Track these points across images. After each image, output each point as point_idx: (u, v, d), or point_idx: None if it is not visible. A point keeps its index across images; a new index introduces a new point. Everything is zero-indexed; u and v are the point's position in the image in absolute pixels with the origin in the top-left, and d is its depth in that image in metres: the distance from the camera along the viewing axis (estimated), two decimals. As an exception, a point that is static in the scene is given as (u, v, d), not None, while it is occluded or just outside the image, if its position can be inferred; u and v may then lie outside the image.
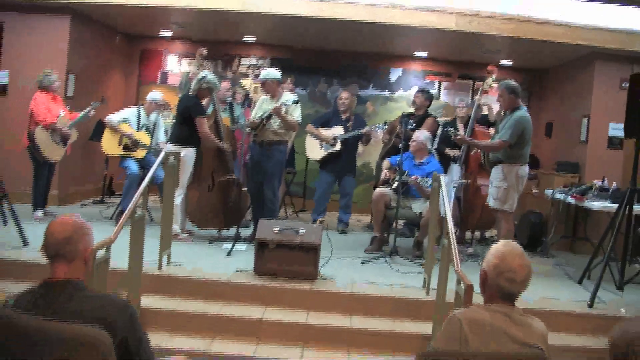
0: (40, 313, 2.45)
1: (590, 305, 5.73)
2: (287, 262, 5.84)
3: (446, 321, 2.82)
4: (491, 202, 6.80)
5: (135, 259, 4.93)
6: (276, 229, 5.97)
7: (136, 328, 2.64)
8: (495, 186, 6.73)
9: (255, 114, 7.39)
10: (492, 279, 2.76)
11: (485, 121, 8.29)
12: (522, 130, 6.59)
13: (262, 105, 7.42)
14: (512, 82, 6.90)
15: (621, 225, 6.24)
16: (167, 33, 10.76)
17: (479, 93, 8.13)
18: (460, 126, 8.20)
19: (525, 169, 6.75)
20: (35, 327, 2.39)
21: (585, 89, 9.13)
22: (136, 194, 5.01)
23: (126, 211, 4.73)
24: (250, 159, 7.72)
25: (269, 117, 7.15)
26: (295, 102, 7.27)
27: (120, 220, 4.62)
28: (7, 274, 5.47)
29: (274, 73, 7.40)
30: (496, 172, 6.76)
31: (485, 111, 8.43)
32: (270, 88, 7.37)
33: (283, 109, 7.15)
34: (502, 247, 2.81)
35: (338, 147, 8.53)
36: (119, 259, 4.63)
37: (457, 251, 4.55)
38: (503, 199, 6.68)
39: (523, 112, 6.71)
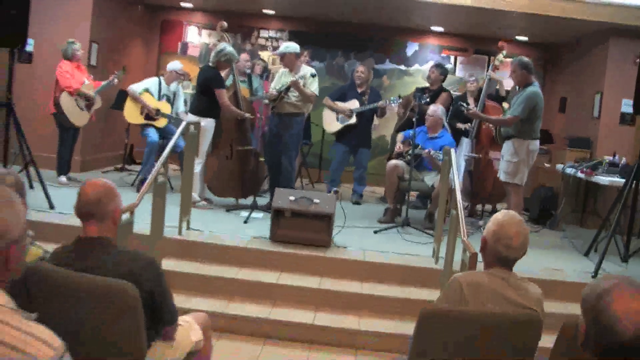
0: (73, 267, 2.68)
1: (594, 276, 5.92)
2: (302, 229, 6.06)
3: (448, 283, 3.04)
4: (502, 176, 6.98)
5: (157, 223, 5.17)
6: (292, 197, 6.18)
7: (161, 282, 2.87)
8: (506, 160, 6.90)
9: (274, 86, 7.58)
10: (490, 245, 2.96)
11: (496, 96, 8.43)
12: (533, 105, 6.74)
13: (281, 78, 7.61)
14: (525, 59, 7.03)
15: (628, 200, 6.42)
16: (187, 4, 10.93)
17: (490, 68, 8.27)
18: (470, 100, 8.35)
19: (536, 144, 6.91)
20: (69, 280, 2.63)
21: (599, 65, 9.23)
22: (158, 162, 5.25)
23: (149, 177, 4.97)
24: (268, 130, 7.92)
25: (287, 89, 7.34)
26: (313, 76, 7.45)
27: (144, 186, 4.86)
28: (36, 236, 5.71)
29: (293, 46, 7.57)
30: (507, 146, 6.92)
31: (497, 86, 8.56)
32: (289, 61, 7.55)
33: (301, 82, 7.33)
34: (501, 216, 3.01)
35: (354, 119, 8.71)
36: (142, 223, 4.87)
37: (464, 221, 4.75)
38: (514, 172, 6.85)
39: (535, 87, 6.85)
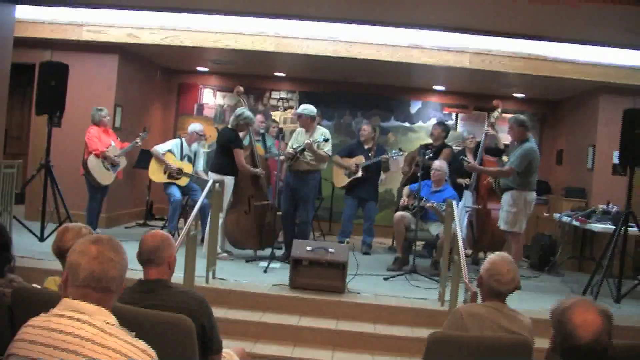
0: (138, 305, 3.23)
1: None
2: (319, 277, 6.63)
3: (450, 314, 3.60)
4: (502, 225, 7.53)
5: (189, 272, 5.72)
6: (309, 248, 6.76)
7: (211, 318, 3.42)
8: (506, 210, 7.46)
9: (291, 144, 8.19)
10: (485, 280, 3.52)
11: (496, 150, 9.02)
12: (529, 160, 7.34)
13: (298, 137, 8.24)
14: (521, 116, 7.68)
15: (618, 244, 6.96)
16: (203, 68, 11.66)
17: (486, 125, 8.90)
18: (469, 156, 8.93)
19: (532, 195, 7.49)
20: (137, 315, 3.17)
21: (591, 120, 9.88)
22: (190, 217, 5.83)
23: (184, 230, 5.54)
24: (285, 185, 8.50)
25: (303, 150, 7.96)
26: (325, 141, 8.06)
27: (180, 236, 5.43)
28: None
29: (310, 109, 8.19)
30: (506, 197, 7.49)
31: (495, 141, 9.16)
32: (305, 122, 8.19)
33: (315, 145, 7.96)
34: (494, 257, 3.58)
35: (359, 173, 9.30)
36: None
37: (465, 266, 5.31)
38: (513, 222, 7.40)
39: (531, 144, 7.47)
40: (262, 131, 9.45)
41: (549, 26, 7.32)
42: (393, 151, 9.36)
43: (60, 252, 3.48)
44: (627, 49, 8.25)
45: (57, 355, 2.16)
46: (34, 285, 3.51)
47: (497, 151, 9.05)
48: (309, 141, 7.95)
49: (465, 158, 8.32)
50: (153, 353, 2.30)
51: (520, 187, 7.39)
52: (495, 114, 8.66)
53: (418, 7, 6.89)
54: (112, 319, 2.32)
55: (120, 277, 2.40)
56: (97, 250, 2.36)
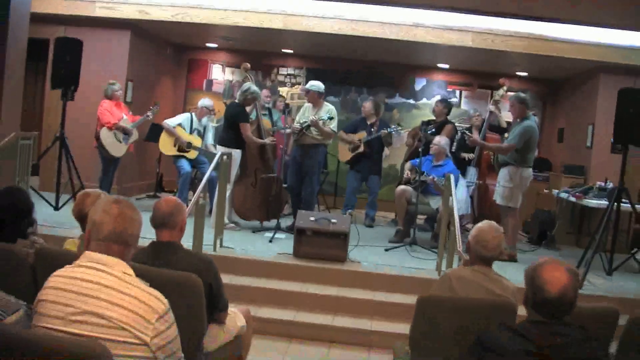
0: (149, 264, 3.51)
1: (580, 287, 6.68)
2: (321, 246, 6.91)
3: (440, 277, 3.88)
4: (498, 200, 7.78)
5: (198, 240, 6.03)
6: (312, 218, 7.05)
7: (217, 277, 3.71)
8: (502, 185, 7.71)
9: (299, 119, 8.49)
10: (472, 246, 3.79)
11: (498, 128, 9.25)
12: (528, 137, 7.57)
13: (305, 112, 8.54)
14: (522, 94, 7.92)
15: (611, 220, 7.23)
16: (212, 45, 11.90)
17: (491, 103, 9.14)
18: (475, 133, 9.17)
19: (529, 172, 7.73)
20: (150, 273, 3.45)
21: (591, 99, 10.11)
22: (199, 188, 6.14)
23: (193, 199, 5.84)
24: (292, 159, 8.80)
25: (308, 127, 8.23)
26: (330, 119, 8.33)
27: (189, 206, 5.72)
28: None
29: (318, 85, 8.49)
30: (503, 173, 7.73)
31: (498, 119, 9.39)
32: (312, 98, 8.49)
33: (320, 122, 8.24)
34: (482, 224, 3.85)
35: (361, 148, 9.56)
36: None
37: (460, 237, 5.59)
38: (509, 197, 7.64)
39: (531, 121, 7.69)
40: (268, 105, 9.70)
41: (551, 8, 7.48)
42: (392, 126, 9.59)
43: (81, 216, 3.76)
44: (627, 30, 8.43)
45: (80, 299, 2.45)
46: (54, 247, 3.82)
47: (501, 129, 9.28)
48: (314, 118, 8.21)
49: (467, 132, 8.56)
50: (166, 301, 2.58)
51: (517, 163, 7.62)
52: (501, 91, 8.89)
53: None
54: (130, 270, 2.61)
55: (138, 234, 2.71)
56: (118, 209, 2.66)
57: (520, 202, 7.75)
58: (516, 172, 7.61)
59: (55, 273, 2.58)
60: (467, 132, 8.65)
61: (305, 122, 8.30)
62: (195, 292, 3.41)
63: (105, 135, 8.67)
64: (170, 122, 9.20)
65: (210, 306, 3.67)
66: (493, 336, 2.66)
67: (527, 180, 7.75)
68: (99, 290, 2.48)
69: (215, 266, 3.74)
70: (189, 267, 3.52)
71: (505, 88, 8.95)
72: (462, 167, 9.10)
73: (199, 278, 3.41)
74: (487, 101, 11.70)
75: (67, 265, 2.61)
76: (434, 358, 3.57)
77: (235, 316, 4.10)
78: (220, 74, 12.37)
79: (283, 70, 12.29)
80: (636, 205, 7.56)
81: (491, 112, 8.96)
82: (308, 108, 8.56)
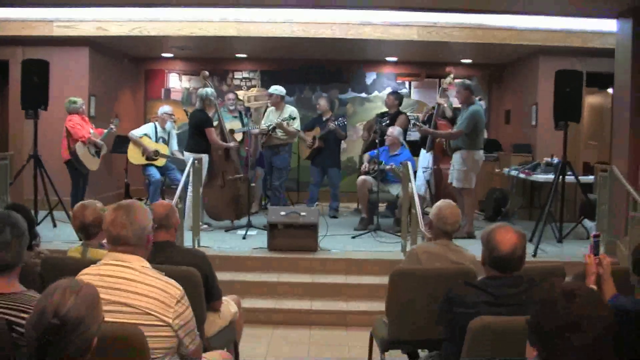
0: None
1: (534, 256, 7.24)
2: (293, 238, 7.41)
3: (407, 252, 4.39)
4: (454, 183, 8.31)
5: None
6: (282, 213, 7.52)
7: (211, 269, 4.16)
8: (457, 169, 8.24)
9: (264, 122, 9.02)
10: (435, 223, 4.31)
11: (444, 117, 9.79)
12: (475, 122, 8.12)
13: (269, 115, 9.17)
14: (467, 81, 8.50)
15: (558, 192, 7.84)
16: (168, 54, 12.25)
17: (438, 92, 9.70)
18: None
19: (480, 154, 8.29)
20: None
21: (532, 81, 10.77)
22: (177, 191, 6.58)
23: (173, 202, 6.26)
24: (265, 159, 9.47)
25: (274, 129, 8.74)
26: (292, 119, 8.98)
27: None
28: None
29: (280, 90, 9.21)
30: (456, 157, 8.26)
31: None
32: (275, 101, 9.16)
33: (284, 124, 8.78)
34: (440, 203, 4.38)
35: (317, 144, 10.04)
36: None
37: (421, 217, 6.11)
38: (463, 179, 8.19)
39: (477, 106, 8.25)
40: (232, 108, 10.05)
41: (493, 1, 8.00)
42: (340, 119, 10.07)
43: (83, 226, 4.19)
44: (563, 16, 9.03)
45: (109, 292, 2.88)
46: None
47: (446, 118, 9.80)
48: (278, 121, 8.74)
49: (417, 122, 9.10)
50: (180, 287, 3.04)
51: (468, 147, 8.16)
52: (448, 79, 9.41)
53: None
54: (146, 263, 3.07)
55: (135, 235, 3.12)
56: (113, 216, 3.12)
57: (474, 183, 8.29)
58: (469, 155, 8.15)
59: (83, 271, 3.01)
60: (418, 122, 9.18)
61: (271, 124, 8.80)
62: (194, 283, 3.84)
63: (81, 150, 8.96)
64: (136, 132, 9.55)
65: (207, 295, 4.11)
66: (458, 292, 3.16)
67: (479, 162, 8.31)
68: (123, 283, 2.92)
69: (207, 258, 4.19)
70: (186, 262, 3.95)
71: (451, 76, 9.47)
72: (416, 150, 9.67)
73: (197, 271, 3.85)
74: (436, 90, 12.25)
75: (93, 265, 3.05)
76: (410, 322, 4.09)
77: (228, 304, 4.55)
78: (177, 82, 12.71)
79: (238, 74, 12.68)
80: (580, 177, 8.18)
81: (439, 105, 9.41)
82: (272, 111, 9.10)
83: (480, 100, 9.14)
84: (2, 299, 2.76)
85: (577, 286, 2.12)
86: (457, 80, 8.95)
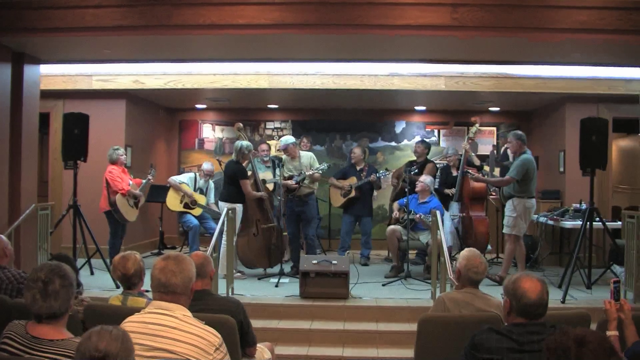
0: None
1: (563, 302, 7.33)
2: (325, 286, 7.60)
3: (435, 301, 4.52)
4: (504, 229, 8.47)
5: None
6: (314, 261, 7.72)
7: (246, 316, 4.33)
8: (507, 215, 8.40)
9: (285, 173, 9.20)
10: (463, 272, 4.46)
11: (473, 165, 9.95)
12: (526, 169, 8.27)
13: (288, 165, 9.31)
14: (519, 132, 8.66)
15: (586, 238, 7.92)
16: (201, 105, 12.59)
17: (465, 140, 9.89)
18: (453, 170, 9.92)
19: (531, 202, 8.40)
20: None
21: (559, 127, 10.90)
22: (212, 242, 6.79)
23: (209, 250, 6.49)
24: (288, 210, 9.38)
25: (303, 179, 8.95)
26: (314, 163, 9.28)
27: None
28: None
29: (291, 139, 9.43)
30: (508, 204, 8.42)
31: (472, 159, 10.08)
32: (292, 151, 9.28)
33: (315, 174, 9.13)
34: (467, 252, 4.52)
35: (353, 193, 10.24)
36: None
37: (450, 265, 6.25)
38: (512, 225, 8.30)
39: (528, 155, 8.40)
40: (266, 159, 10.26)
41: (520, 53, 8.13)
42: (381, 171, 10.25)
43: (125, 277, 4.41)
44: (592, 66, 9.14)
45: (151, 339, 3.08)
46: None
47: (476, 166, 9.95)
48: (310, 172, 8.99)
49: (470, 172, 9.22)
50: (219, 335, 3.23)
51: (520, 194, 8.30)
52: (474, 129, 9.63)
53: (396, 47, 7.69)
54: (187, 312, 3.26)
55: (183, 283, 3.32)
56: (163, 264, 3.32)
57: (523, 230, 8.41)
58: (519, 202, 8.29)
59: (128, 319, 3.22)
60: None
61: (299, 176, 9.00)
62: (229, 330, 4.01)
63: (121, 202, 9.22)
64: (177, 179, 9.86)
65: (242, 342, 4.28)
66: (483, 338, 3.30)
67: (531, 210, 8.44)
68: (165, 331, 3.12)
69: (243, 306, 4.37)
70: (222, 309, 4.13)
71: (477, 125, 9.69)
72: (445, 202, 9.79)
73: (232, 318, 4.03)
74: (464, 137, 12.44)
75: (137, 313, 3.25)
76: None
77: (262, 350, 4.71)
78: (210, 132, 13.01)
79: (270, 124, 12.97)
80: (607, 223, 8.25)
81: (466, 151, 9.61)
82: (287, 160, 9.29)
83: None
84: (52, 345, 2.98)
85: (588, 333, 2.26)
86: (486, 129, 9.08)
